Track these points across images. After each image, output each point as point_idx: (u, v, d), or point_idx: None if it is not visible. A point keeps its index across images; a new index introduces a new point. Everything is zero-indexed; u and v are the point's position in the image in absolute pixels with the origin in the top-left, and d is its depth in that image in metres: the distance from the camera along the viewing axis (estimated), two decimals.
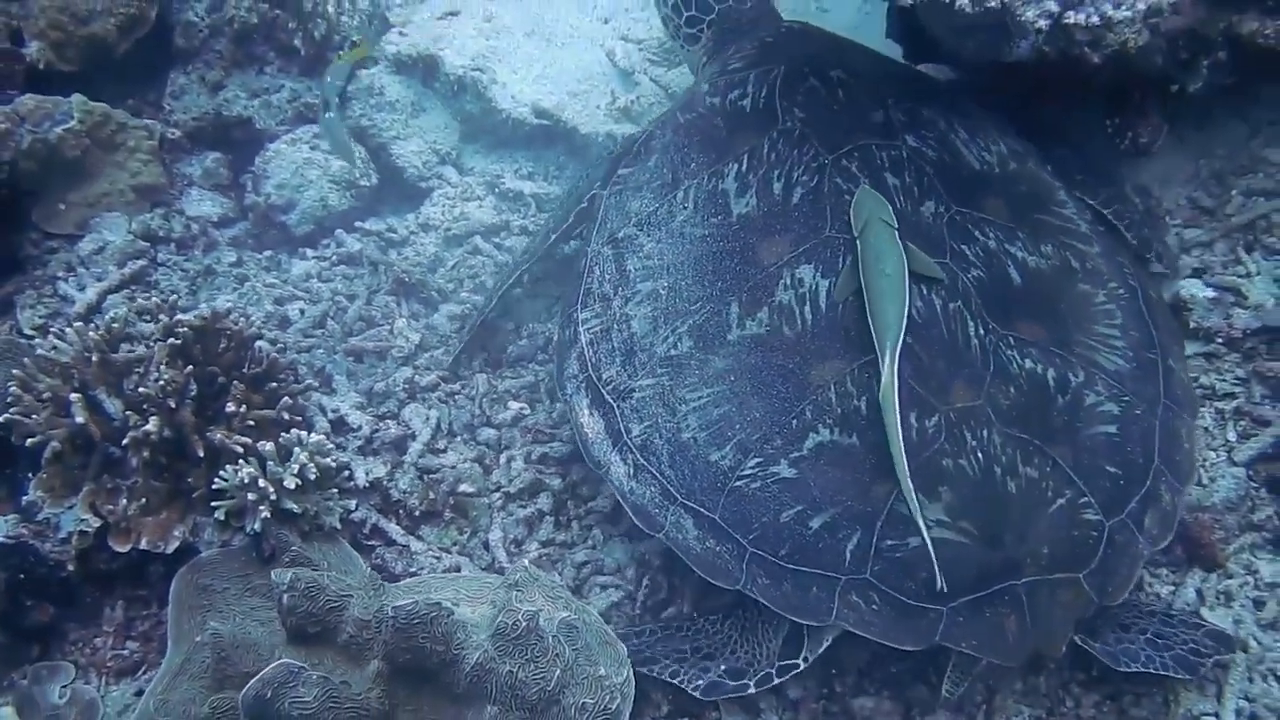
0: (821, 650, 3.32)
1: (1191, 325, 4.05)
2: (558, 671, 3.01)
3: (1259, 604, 3.60)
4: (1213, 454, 3.87)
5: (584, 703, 3.02)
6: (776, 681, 3.32)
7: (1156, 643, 3.34)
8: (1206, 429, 3.92)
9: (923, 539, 3.08)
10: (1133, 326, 3.63)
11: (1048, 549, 3.20)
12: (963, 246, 3.59)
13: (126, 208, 4.68)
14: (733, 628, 3.48)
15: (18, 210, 4.52)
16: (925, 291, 3.44)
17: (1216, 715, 3.39)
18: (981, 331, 3.43)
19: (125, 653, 3.68)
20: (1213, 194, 4.41)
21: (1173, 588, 3.68)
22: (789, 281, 3.54)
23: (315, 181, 4.79)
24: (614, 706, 3.06)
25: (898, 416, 3.14)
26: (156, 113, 5.05)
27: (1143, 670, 3.30)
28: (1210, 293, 4.11)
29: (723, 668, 3.37)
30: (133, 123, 4.76)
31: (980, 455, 3.24)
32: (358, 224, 4.84)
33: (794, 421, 3.34)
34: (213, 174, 4.98)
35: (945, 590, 3.10)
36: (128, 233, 4.60)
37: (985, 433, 3.27)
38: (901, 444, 3.12)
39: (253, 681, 2.83)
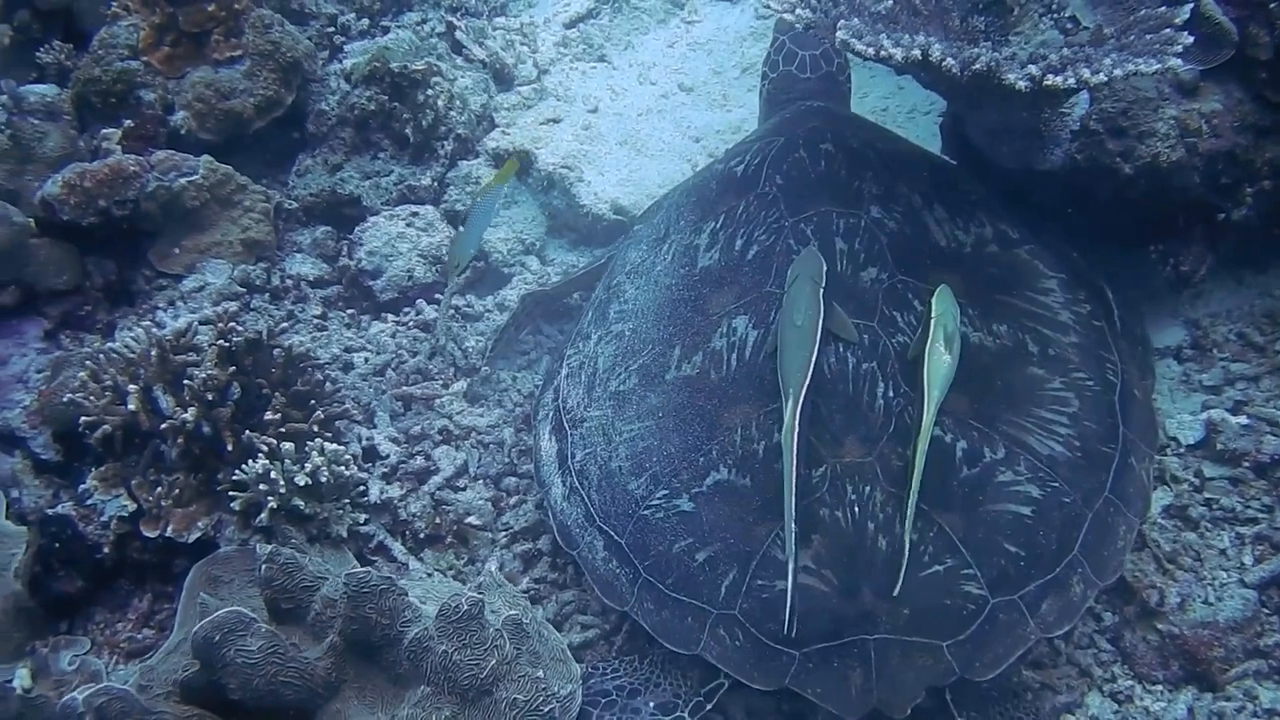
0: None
1: (1218, 448, 3.96)
2: (493, 661, 3.05)
3: None
4: (1224, 574, 3.72)
5: (516, 698, 3.05)
6: (708, 707, 3.36)
7: None
8: (1223, 551, 3.79)
9: (788, 583, 3.14)
10: (1089, 417, 3.58)
11: (908, 610, 3.19)
12: (894, 313, 3.64)
13: (234, 258, 5.12)
14: (651, 665, 3.55)
15: (137, 248, 5.04)
16: (840, 349, 3.53)
17: None
18: (890, 394, 3.48)
19: (140, 637, 3.92)
20: (1265, 332, 4.32)
21: (1165, 703, 3.52)
22: (725, 330, 3.70)
23: (405, 253, 5.13)
24: (547, 709, 3.08)
25: (794, 462, 3.21)
26: (281, 188, 5.56)
27: None
28: (1243, 419, 4.00)
29: (652, 704, 3.42)
30: (252, 186, 5.24)
31: (856, 509, 3.29)
32: (438, 295, 5.14)
33: (701, 459, 3.50)
34: (320, 244, 5.40)
35: (796, 636, 3.18)
36: (228, 278, 5.03)
37: (867, 489, 3.33)
38: (794, 488, 3.19)
39: (203, 622, 2.98)
